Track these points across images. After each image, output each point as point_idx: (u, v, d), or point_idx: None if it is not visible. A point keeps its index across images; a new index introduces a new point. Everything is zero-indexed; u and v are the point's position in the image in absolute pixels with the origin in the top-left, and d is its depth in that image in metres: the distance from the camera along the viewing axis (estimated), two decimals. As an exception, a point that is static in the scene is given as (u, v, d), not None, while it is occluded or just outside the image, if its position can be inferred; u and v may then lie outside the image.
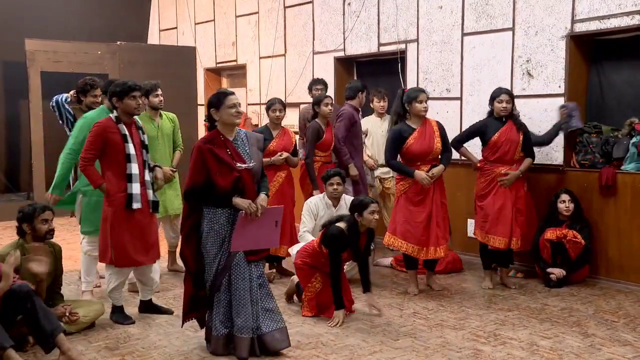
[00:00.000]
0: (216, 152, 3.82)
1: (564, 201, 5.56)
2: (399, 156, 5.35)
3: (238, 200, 3.84)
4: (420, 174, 5.21)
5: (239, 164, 3.85)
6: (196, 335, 4.40)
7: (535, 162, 5.64)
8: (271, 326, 3.98)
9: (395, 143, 5.28)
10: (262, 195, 3.94)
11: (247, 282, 3.92)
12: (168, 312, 4.88)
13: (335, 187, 5.47)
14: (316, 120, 6.07)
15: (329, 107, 6.01)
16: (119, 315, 4.69)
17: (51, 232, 4.35)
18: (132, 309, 4.84)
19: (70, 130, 5.87)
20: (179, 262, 6.28)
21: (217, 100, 3.90)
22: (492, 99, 5.45)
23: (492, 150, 5.42)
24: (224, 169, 3.82)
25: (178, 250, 6.25)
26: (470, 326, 4.56)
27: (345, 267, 5.10)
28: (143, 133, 4.69)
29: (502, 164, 5.40)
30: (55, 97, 5.78)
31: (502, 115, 5.41)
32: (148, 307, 4.87)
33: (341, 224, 4.68)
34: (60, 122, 6.07)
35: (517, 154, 5.42)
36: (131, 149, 4.50)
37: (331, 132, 6.16)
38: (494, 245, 5.41)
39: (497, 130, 5.40)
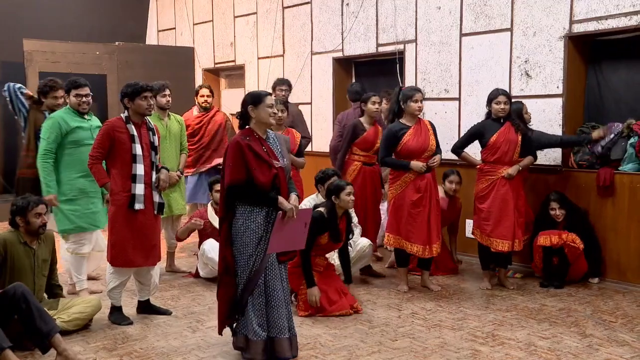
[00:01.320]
0: (255, 148, 3.81)
1: (554, 209, 5.55)
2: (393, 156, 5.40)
3: (284, 202, 3.80)
4: (417, 163, 5.24)
5: (275, 162, 3.86)
6: (194, 336, 4.40)
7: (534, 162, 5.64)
8: (294, 328, 4.00)
9: (390, 142, 5.33)
10: (294, 196, 3.92)
11: (280, 282, 3.91)
12: (166, 312, 4.87)
13: None
14: (359, 118, 6.03)
15: (376, 105, 5.95)
16: (117, 315, 4.68)
17: (44, 226, 4.35)
18: (130, 310, 4.83)
19: (23, 122, 5.79)
20: (177, 263, 6.30)
21: (257, 98, 3.88)
22: (490, 100, 5.44)
23: (491, 151, 5.41)
24: (263, 165, 3.81)
25: (176, 250, 6.33)
26: (469, 327, 4.56)
27: (331, 254, 5.22)
28: (154, 134, 4.67)
29: (502, 165, 5.39)
30: (8, 83, 5.70)
31: (500, 116, 5.41)
32: (146, 308, 4.86)
33: (320, 209, 4.84)
34: (15, 115, 5.97)
35: (517, 155, 5.41)
36: (138, 149, 4.50)
37: (376, 132, 6.07)
38: (497, 249, 5.40)
39: (495, 131, 5.40)
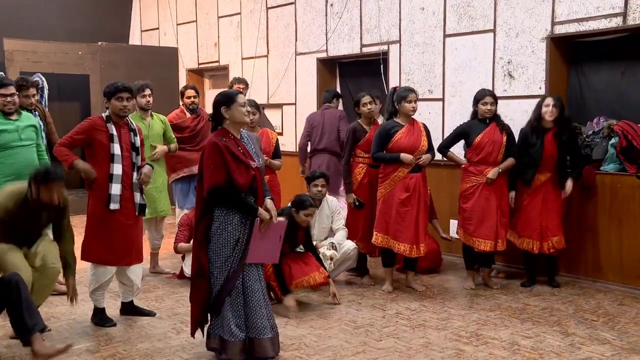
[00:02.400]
0: (232, 149, 3.76)
1: (548, 105, 5.39)
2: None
3: (263, 213, 3.78)
4: (406, 156, 5.26)
5: (251, 162, 3.82)
6: (178, 337, 4.38)
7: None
8: (276, 327, 3.99)
9: (382, 139, 5.37)
10: (269, 202, 3.88)
11: (259, 282, 3.89)
12: (150, 314, 4.84)
13: (319, 188, 5.53)
14: (358, 120, 5.96)
15: (368, 106, 5.82)
16: (100, 317, 4.64)
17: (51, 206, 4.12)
18: (113, 312, 4.80)
19: None
20: (161, 264, 6.27)
21: (229, 98, 3.82)
22: (477, 100, 5.47)
23: (475, 151, 5.45)
24: (241, 167, 3.75)
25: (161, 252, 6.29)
26: (453, 326, 4.59)
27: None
28: (135, 135, 4.61)
29: (487, 165, 5.43)
30: None
31: (487, 116, 5.45)
32: (129, 310, 4.82)
33: (280, 218, 4.83)
34: None
35: (501, 156, 5.44)
36: (116, 149, 4.45)
37: None
38: (479, 248, 5.44)
39: (480, 131, 5.43)
